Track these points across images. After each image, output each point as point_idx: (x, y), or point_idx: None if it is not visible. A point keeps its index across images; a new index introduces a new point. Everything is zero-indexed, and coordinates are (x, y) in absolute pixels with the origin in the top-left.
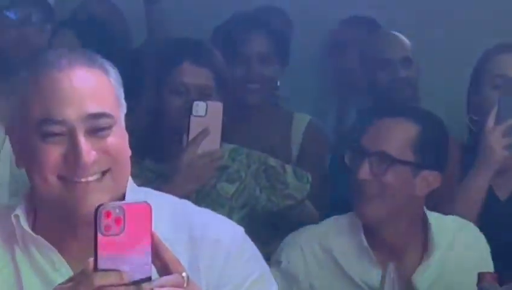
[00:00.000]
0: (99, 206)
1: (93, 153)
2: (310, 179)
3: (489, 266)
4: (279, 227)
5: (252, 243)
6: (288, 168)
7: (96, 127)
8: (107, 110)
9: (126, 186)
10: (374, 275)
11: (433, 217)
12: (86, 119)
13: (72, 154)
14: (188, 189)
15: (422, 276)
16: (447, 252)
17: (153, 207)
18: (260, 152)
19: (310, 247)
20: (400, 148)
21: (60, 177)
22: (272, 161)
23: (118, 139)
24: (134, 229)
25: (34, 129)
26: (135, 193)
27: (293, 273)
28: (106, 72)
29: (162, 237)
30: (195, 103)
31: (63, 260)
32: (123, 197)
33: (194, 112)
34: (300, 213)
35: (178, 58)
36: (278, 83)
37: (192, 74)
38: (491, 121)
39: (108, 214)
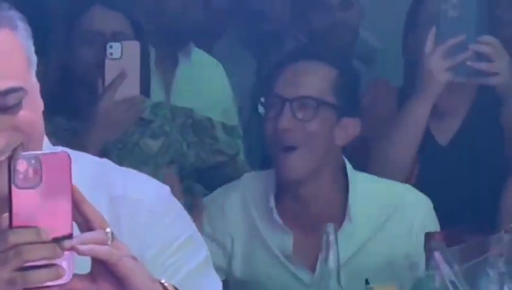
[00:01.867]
0: (10, 158)
1: (4, 135)
2: (241, 133)
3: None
4: (210, 186)
5: (178, 203)
6: (217, 122)
7: (4, 105)
8: (15, 83)
9: (41, 150)
10: (286, 242)
11: (359, 179)
12: None
13: None
14: (107, 139)
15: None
16: (375, 221)
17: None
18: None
19: (231, 209)
20: (322, 91)
21: None
22: (199, 115)
23: (30, 111)
24: (53, 182)
25: None
26: None
27: (217, 237)
28: (14, 29)
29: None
30: (109, 44)
31: None
32: None
33: (108, 55)
34: (233, 170)
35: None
36: None
37: (105, 19)
38: (430, 43)
39: (23, 165)
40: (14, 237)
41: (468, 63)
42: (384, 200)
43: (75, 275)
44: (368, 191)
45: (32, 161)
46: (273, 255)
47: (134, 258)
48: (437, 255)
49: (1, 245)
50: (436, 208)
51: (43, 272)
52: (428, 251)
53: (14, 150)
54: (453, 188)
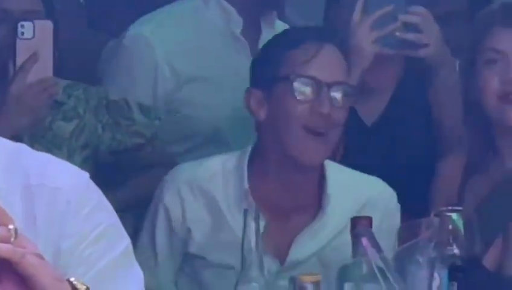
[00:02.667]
0: None
1: None
2: (158, 114)
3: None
4: (127, 169)
5: (98, 190)
6: (132, 102)
7: None
8: None
9: None
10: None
11: (334, 169)
12: None
13: None
14: (20, 124)
15: (307, 240)
16: (348, 212)
17: None
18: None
19: (189, 190)
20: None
21: None
22: (114, 95)
23: None
24: None
25: None
26: None
27: (171, 217)
28: None
29: None
30: (21, 23)
31: None
32: None
33: (19, 34)
34: (151, 153)
35: None
36: None
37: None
38: (357, 14)
39: None
40: None
41: (397, 33)
42: (357, 192)
43: None
44: (342, 182)
45: None
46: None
47: (40, 256)
48: (364, 241)
49: None
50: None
51: None
52: (355, 236)
53: None
54: (378, 170)
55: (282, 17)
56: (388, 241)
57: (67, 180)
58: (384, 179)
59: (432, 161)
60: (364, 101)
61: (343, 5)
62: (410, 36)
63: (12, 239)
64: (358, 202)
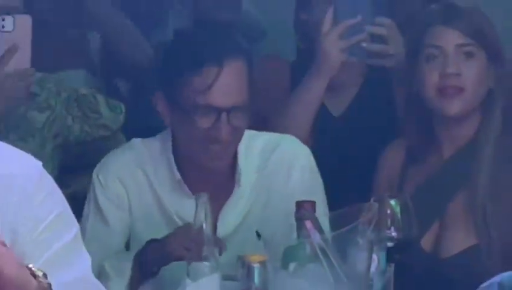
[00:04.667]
0: None
1: None
2: (123, 109)
3: (316, 182)
4: (93, 158)
5: (51, 179)
6: (100, 97)
7: None
8: None
9: None
10: (187, 208)
11: (245, 140)
12: None
13: None
14: None
15: (229, 214)
16: (259, 179)
17: None
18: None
19: (128, 173)
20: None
21: None
22: (84, 90)
23: None
24: None
25: None
26: None
27: (114, 202)
28: None
29: None
30: (1, 16)
31: None
32: None
33: (0, 27)
34: (115, 144)
35: None
36: None
37: None
38: (326, 24)
39: None
40: None
41: (364, 44)
42: (266, 153)
43: None
44: (252, 149)
45: None
46: (172, 220)
47: (3, 244)
48: (308, 223)
49: None
50: (327, 176)
51: None
52: (299, 219)
53: None
54: (342, 158)
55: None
56: (311, 198)
57: (21, 168)
58: (345, 165)
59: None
60: (333, 97)
61: (314, 9)
62: (376, 47)
63: None
64: (267, 162)
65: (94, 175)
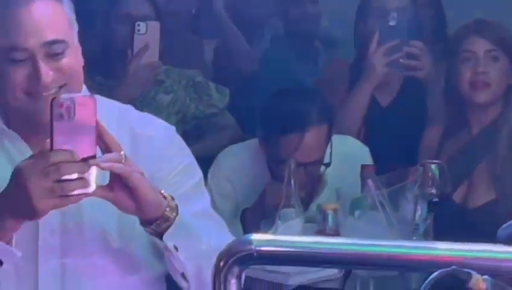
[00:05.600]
0: (53, 98)
1: (51, 73)
2: (228, 93)
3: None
4: (204, 130)
5: (180, 139)
6: (211, 83)
7: (52, 51)
8: (60, 36)
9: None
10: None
11: None
12: (44, 46)
13: (34, 75)
14: (134, 94)
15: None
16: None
17: (103, 110)
18: (188, 70)
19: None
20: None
21: (27, 93)
22: (199, 78)
23: (72, 59)
24: (83, 117)
25: (3, 56)
26: None
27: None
28: (60, 1)
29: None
30: (137, 23)
31: (30, 150)
32: None
33: (136, 31)
34: (220, 120)
35: None
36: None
37: (136, 5)
38: (373, 45)
39: (61, 105)
40: (54, 157)
41: (401, 60)
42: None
43: (97, 186)
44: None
45: (68, 102)
46: None
47: (142, 174)
48: (369, 182)
49: (44, 163)
50: (377, 151)
51: (75, 183)
52: (363, 178)
53: (59, 89)
54: (390, 138)
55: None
56: None
57: (159, 130)
58: (393, 143)
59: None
60: (381, 92)
61: (368, 25)
62: (411, 62)
63: (123, 161)
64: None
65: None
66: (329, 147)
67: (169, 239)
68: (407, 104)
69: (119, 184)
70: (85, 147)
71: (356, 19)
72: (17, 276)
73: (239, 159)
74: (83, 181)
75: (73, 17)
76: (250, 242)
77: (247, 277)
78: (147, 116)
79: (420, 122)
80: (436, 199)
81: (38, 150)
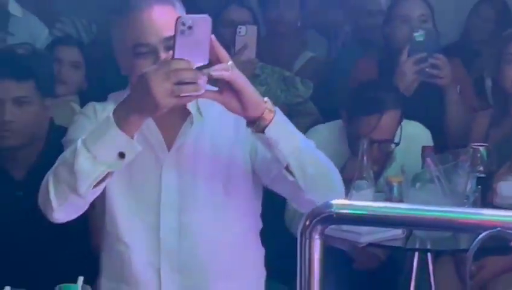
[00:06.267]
0: (178, 17)
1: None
2: (311, 85)
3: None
4: (291, 115)
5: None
6: (297, 78)
7: (170, 45)
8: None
9: None
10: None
11: None
12: (164, 41)
13: None
14: None
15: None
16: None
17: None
18: (279, 67)
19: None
20: None
21: None
22: (287, 73)
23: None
24: (199, 33)
25: (131, 51)
26: None
27: None
28: (174, 6)
29: (213, 120)
30: (239, 26)
31: (156, 126)
32: None
33: (237, 33)
34: (305, 107)
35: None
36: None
37: (239, 13)
38: (404, 56)
39: (183, 23)
40: (175, 65)
41: (427, 69)
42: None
43: (207, 90)
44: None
45: (189, 20)
46: None
47: (246, 80)
48: (428, 160)
49: (167, 69)
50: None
51: (190, 86)
52: (423, 157)
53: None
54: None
55: None
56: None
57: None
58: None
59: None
60: None
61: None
62: (434, 72)
63: (230, 69)
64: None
65: None
66: (399, 129)
67: (270, 134)
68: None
69: (227, 88)
70: (200, 57)
71: (383, 24)
72: (144, 229)
73: (323, 136)
74: (196, 85)
75: None
76: (331, 206)
77: (326, 235)
78: None
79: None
80: (483, 175)
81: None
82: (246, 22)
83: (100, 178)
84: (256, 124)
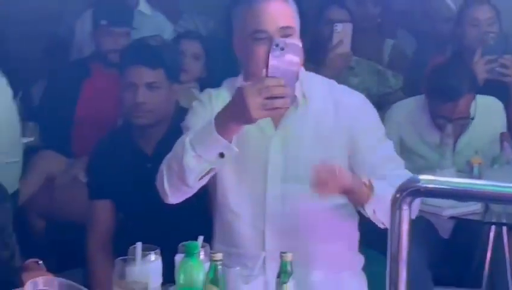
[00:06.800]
0: (273, 39)
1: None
2: (401, 78)
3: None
4: (382, 105)
5: (369, 102)
6: (389, 71)
7: (285, 34)
8: (290, 24)
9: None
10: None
11: None
12: (279, 30)
13: None
14: (331, 75)
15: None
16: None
17: (311, 83)
18: (372, 61)
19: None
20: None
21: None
22: (379, 66)
23: (297, 39)
24: (290, 55)
25: (249, 36)
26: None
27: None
28: (287, 1)
29: (316, 104)
30: (336, 24)
31: None
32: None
33: (334, 30)
34: (394, 97)
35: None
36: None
37: (336, 12)
38: (477, 56)
39: (277, 44)
40: (267, 82)
41: (497, 68)
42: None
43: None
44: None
45: (282, 43)
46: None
47: (350, 177)
48: (505, 143)
49: (260, 85)
50: None
51: (279, 101)
52: (501, 141)
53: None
54: None
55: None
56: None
57: (356, 98)
58: None
59: None
60: None
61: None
62: (503, 70)
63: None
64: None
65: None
66: (473, 104)
67: (369, 207)
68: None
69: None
70: (288, 76)
71: (455, 26)
72: (251, 199)
73: (410, 108)
74: (284, 100)
75: (296, 14)
76: (418, 180)
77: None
78: (343, 87)
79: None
80: None
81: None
82: (343, 21)
83: (204, 173)
84: (357, 204)
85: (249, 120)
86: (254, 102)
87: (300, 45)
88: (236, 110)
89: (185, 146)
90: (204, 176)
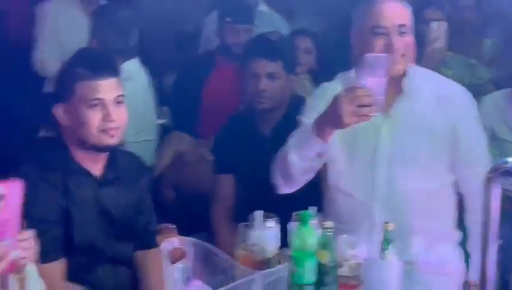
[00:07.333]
0: (364, 55)
1: (400, 44)
2: (491, 71)
3: None
4: (473, 96)
5: (470, 95)
6: (481, 65)
7: (401, 30)
8: (406, 23)
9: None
10: None
11: None
12: (396, 27)
13: (389, 44)
14: (429, 69)
15: None
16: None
17: (416, 75)
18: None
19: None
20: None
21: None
22: (473, 61)
23: (411, 38)
24: (378, 68)
25: (369, 31)
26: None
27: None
28: (404, 4)
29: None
30: (432, 22)
31: None
32: None
33: (430, 27)
34: (483, 88)
35: None
36: None
37: (434, 14)
38: None
39: (366, 58)
40: (358, 92)
41: None
42: None
43: None
44: None
45: (371, 58)
46: None
47: None
48: None
49: (352, 95)
50: None
51: (367, 109)
52: None
53: (401, 57)
54: None
55: None
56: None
57: (458, 90)
58: None
59: None
60: None
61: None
62: None
63: None
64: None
65: None
66: None
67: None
68: None
69: None
70: (375, 87)
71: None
72: (361, 179)
73: (495, 101)
74: (372, 108)
75: (411, 15)
76: (507, 163)
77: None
78: (448, 80)
79: None
80: None
81: None
82: (439, 19)
83: (307, 168)
84: None
85: (341, 125)
86: (347, 109)
87: (388, 58)
88: (331, 115)
89: (290, 145)
90: (308, 170)
